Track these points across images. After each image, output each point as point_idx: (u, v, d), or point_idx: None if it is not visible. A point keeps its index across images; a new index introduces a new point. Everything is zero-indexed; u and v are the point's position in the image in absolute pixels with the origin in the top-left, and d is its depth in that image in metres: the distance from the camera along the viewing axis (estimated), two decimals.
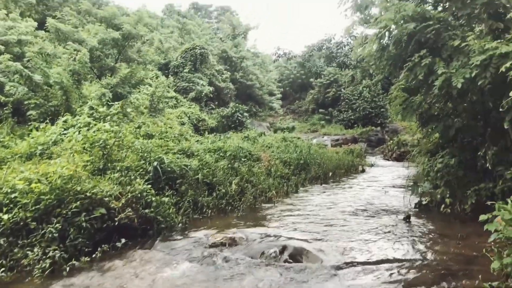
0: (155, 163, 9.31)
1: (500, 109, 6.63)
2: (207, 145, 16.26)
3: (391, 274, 5.24)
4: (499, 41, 6.61)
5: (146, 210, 7.40)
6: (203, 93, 30.83)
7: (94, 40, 20.58)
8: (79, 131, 13.20)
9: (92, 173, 8.32)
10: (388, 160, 28.93)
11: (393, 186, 14.07)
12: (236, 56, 37.69)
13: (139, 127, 13.27)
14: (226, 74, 35.47)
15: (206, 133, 26.73)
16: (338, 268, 5.50)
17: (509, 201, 4.70)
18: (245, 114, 30.91)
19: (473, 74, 6.48)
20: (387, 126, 37.71)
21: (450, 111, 8.41)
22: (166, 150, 10.86)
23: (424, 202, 9.15)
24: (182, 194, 9.31)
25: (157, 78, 29.44)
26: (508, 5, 7.30)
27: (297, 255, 6.09)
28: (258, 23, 56.72)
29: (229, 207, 9.70)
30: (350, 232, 7.48)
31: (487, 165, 7.46)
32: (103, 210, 6.60)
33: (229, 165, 11.75)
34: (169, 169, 9.50)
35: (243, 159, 14.08)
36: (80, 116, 14.08)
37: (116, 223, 6.68)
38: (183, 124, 25.19)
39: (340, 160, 20.34)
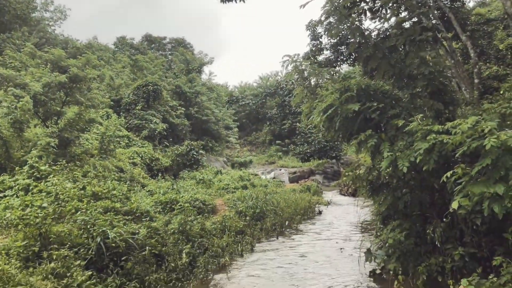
0: (99, 239, 8.72)
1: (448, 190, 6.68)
2: (159, 198, 15.73)
3: None
4: (440, 125, 6.72)
5: None
6: (157, 131, 30.14)
7: (38, 84, 19.65)
8: (16, 195, 12.39)
9: (26, 259, 7.66)
10: (344, 195, 29.27)
11: (349, 237, 14.03)
12: (190, 91, 37.42)
13: (83, 188, 12.55)
14: (181, 110, 35.02)
15: (160, 173, 26.01)
16: None
17: None
18: (201, 151, 30.45)
19: (417, 160, 6.52)
20: (342, 158, 38.42)
21: (398, 181, 8.46)
22: (112, 218, 10.24)
23: (378, 272, 9.06)
24: (128, 271, 8.74)
25: (108, 117, 28.52)
26: (446, 82, 7.49)
27: None
28: (213, 57, 56.91)
29: (179, 284, 9.16)
30: None
31: (436, 241, 7.48)
32: None
33: (180, 229, 11.26)
34: (113, 244, 8.92)
35: (196, 216, 13.65)
36: (19, 175, 13.21)
37: None
38: (135, 165, 24.39)
39: (297, 202, 20.23)
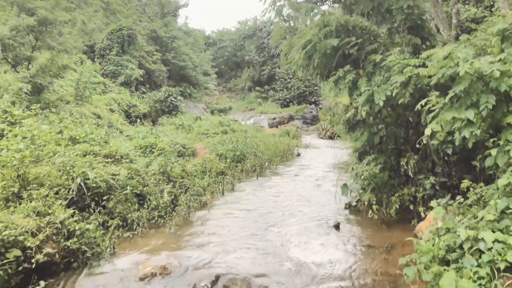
0: (79, 180, 8.75)
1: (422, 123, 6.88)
2: (138, 142, 15.70)
3: None
4: (417, 59, 6.78)
5: (69, 242, 6.93)
6: (133, 77, 29.47)
7: (5, 28, 18.71)
8: None
9: (6, 199, 7.68)
10: (322, 138, 29.74)
11: (326, 176, 14.47)
12: (166, 36, 36.28)
13: (60, 132, 12.37)
14: (157, 55, 34.12)
15: (138, 120, 25.78)
16: None
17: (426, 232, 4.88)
18: (179, 97, 30.13)
19: (393, 93, 6.63)
20: (320, 103, 38.62)
21: (375, 118, 8.63)
22: (91, 160, 10.23)
23: (353, 204, 9.47)
24: (110, 210, 8.89)
25: (82, 63, 27.61)
26: (424, 18, 7.47)
27: (230, 286, 6.02)
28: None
29: (161, 221, 9.40)
30: (282, 247, 7.53)
31: (409, 172, 7.80)
32: (17, 252, 6.08)
33: (161, 170, 11.36)
34: (94, 184, 8.98)
35: (177, 159, 13.76)
36: None
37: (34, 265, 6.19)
38: (112, 111, 24.05)
39: (277, 146, 20.54)
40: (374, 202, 8.27)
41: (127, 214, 8.96)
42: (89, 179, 8.90)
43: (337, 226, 8.36)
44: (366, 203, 8.58)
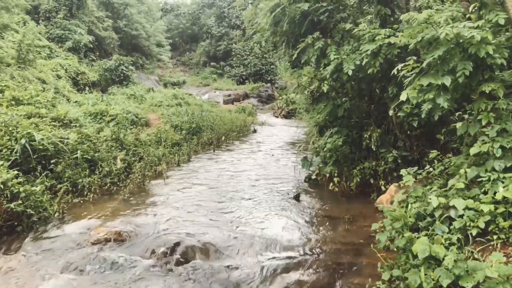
0: (23, 141, 8.02)
1: (388, 95, 6.85)
2: (88, 108, 14.80)
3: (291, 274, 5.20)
4: (387, 29, 6.69)
5: (13, 204, 6.33)
6: (82, 43, 27.72)
7: None
8: None
9: None
10: (277, 117, 29.78)
11: (283, 152, 14.41)
12: (118, 2, 34.34)
13: (1, 91, 11.33)
14: (108, 22, 32.26)
15: (87, 88, 24.44)
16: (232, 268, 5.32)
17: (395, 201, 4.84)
18: (131, 67, 28.82)
19: (363, 62, 6.52)
20: (276, 82, 38.55)
21: (338, 90, 8.55)
22: (37, 122, 9.44)
23: (313, 177, 9.43)
24: (59, 175, 8.26)
25: (25, 24, 25.54)
26: None
27: (188, 253, 5.74)
28: None
29: (114, 188, 8.90)
30: (241, 218, 7.32)
31: (372, 145, 7.82)
32: None
33: (113, 136, 10.74)
34: (41, 147, 8.28)
35: (130, 127, 13.12)
36: None
37: None
38: (59, 77, 22.58)
39: (233, 121, 20.28)
40: (336, 175, 8.24)
41: (77, 179, 8.38)
42: (35, 140, 8.20)
43: (297, 197, 8.27)
44: (328, 175, 8.54)
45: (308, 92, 9.12)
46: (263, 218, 7.32)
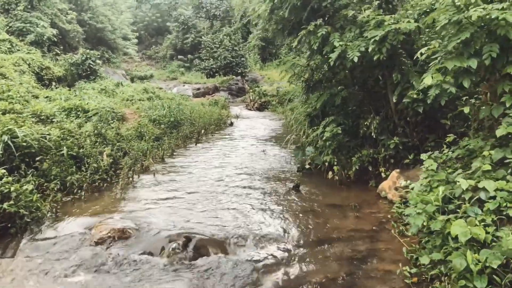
0: (5, 138, 7.45)
1: (391, 82, 6.81)
2: (61, 104, 14.06)
3: (310, 266, 5.06)
4: (392, 16, 6.65)
5: (4, 205, 5.85)
6: (45, 36, 26.44)
7: None
8: None
9: None
10: (250, 110, 29.58)
11: (267, 143, 14.24)
12: None
13: None
14: (72, 15, 30.90)
15: (53, 83, 23.34)
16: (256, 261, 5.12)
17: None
18: (98, 61, 27.78)
19: (369, 49, 6.44)
20: (247, 75, 38.28)
21: (331, 78, 8.48)
22: (16, 118, 8.83)
23: (307, 167, 9.32)
24: (45, 173, 7.74)
25: None
26: None
27: (202, 247, 5.49)
28: None
29: (104, 184, 8.46)
30: (244, 210, 7.11)
31: (372, 133, 7.79)
32: None
33: (95, 132, 10.24)
34: (24, 143, 7.73)
35: (111, 121, 12.58)
36: None
37: None
38: (23, 72, 21.41)
39: (210, 115, 19.97)
40: (335, 163, 8.16)
41: (65, 177, 7.89)
42: (17, 137, 7.65)
43: (297, 187, 8.14)
44: (327, 164, 8.44)
45: (302, 81, 8.98)
46: (265, 209, 7.14)
